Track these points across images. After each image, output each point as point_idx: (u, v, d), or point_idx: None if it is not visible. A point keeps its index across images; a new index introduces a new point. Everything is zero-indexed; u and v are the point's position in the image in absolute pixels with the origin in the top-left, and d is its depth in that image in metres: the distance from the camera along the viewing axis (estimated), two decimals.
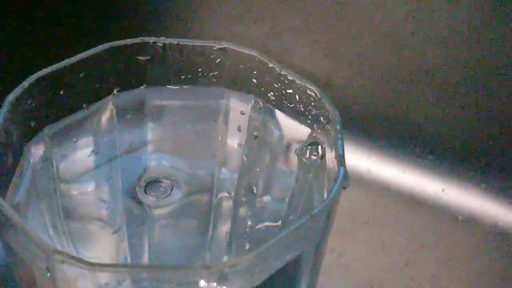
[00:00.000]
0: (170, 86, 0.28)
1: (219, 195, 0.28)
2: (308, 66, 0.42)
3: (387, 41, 0.40)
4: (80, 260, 0.19)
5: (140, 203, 0.28)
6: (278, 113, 0.27)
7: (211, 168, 0.29)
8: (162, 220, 0.28)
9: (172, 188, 0.28)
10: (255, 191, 0.28)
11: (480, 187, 0.40)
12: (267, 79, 0.27)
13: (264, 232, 0.27)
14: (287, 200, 0.27)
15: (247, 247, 0.27)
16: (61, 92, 0.26)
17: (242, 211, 0.28)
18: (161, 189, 0.28)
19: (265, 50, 0.30)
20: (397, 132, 0.42)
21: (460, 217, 0.40)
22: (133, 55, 0.27)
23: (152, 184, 0.28)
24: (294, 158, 0.27)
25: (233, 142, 0.29)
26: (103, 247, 0.27)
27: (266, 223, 0.27)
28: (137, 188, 0.28)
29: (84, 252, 0.26)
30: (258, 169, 0.28)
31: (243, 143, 0.28)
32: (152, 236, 0.27)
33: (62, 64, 0.26)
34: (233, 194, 0.28)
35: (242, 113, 0.28)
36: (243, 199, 0.28)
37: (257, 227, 0.27)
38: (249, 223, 0.28)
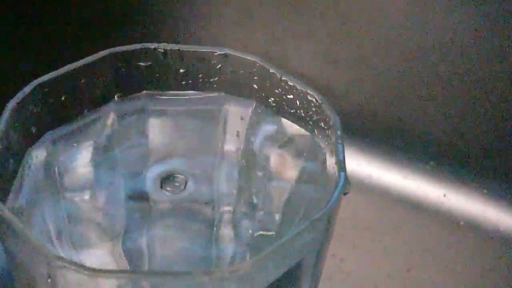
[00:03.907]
0: (171, 92, 0.28)
1: (221, 202, 0.28)
2: (309, 71, 0.42)
3: (388, 47, 0.40)
4: (81, 266, 0.19)
5: (141, 209, 0.28)
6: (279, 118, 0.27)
7: (213, 173, 0.29)
8: (162, 229, 0.28)
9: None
10: (255, 202, 0.28)
11: (482, 192, 0.40)
12: (268, 84, 0.27)
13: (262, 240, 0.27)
14: (286, 202, 0.27)
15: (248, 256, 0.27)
16: (62, 98, 0.26)
17: (244, 219, 0.28)
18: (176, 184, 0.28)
19: (266, 56, 0.30)
20: (398, 137, 0.42)
21: (461, 223, 0.40)
22: (134, 61, 0.27)
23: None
24: (294, 163, 0.27)
25: (234, 147, 0.29)
26: (102, 254, 0.27)
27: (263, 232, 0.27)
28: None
29: (85, 258, 0.26)
30: (259, 174, 0.28)
31: (244, 148, 0.28)
32: (152, 245, 0.27)
33: (63, 70, 0.26)
34: (235, 194, 0.28)
35: (243, 119, 0.28)
36: (243, 206, 0.28)
37: (256, 234, 0.27)
38: (250, 231, 0.28)
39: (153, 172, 0.28)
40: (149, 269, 0.27)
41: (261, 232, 0.27)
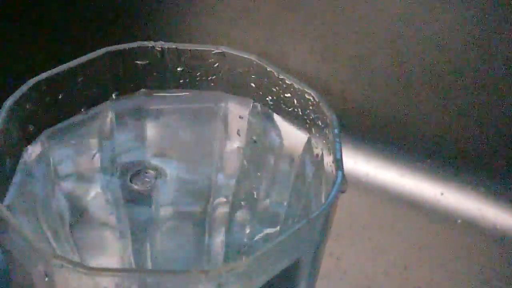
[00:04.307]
0: (169, 90, 0.28)
1: (216, 201, 0.28)
2: (307, 70, 0.42)
3: (386, 45, 0.40)
4: (79, 265, 0.19)
5: (141, 207, 0.28)
6: (276, 117, 0.28)
7: (209, 172, 0.29)
8: (164, 226, 0.28)
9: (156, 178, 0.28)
10: (255, 196, 0.28)
11: (479, 190, 0.40)
12: (265, 83, 0.27)
13: (262, 240, 0.27)
14: (285, 204, 0.27)
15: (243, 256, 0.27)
16: (60, 97, 0.26)
17: (240, 217, 0.28)
18: (146, 179, 0.28)
19: (263, 54, 0.30)
20: (395, 135, 0.42)
21: (458, 221, 0.40)
22: (132, 59, 0.27)
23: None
24: (293, 161, 0.27)
25: (232, 146, 0.29)
26: (108, 252, 0.27)
27: (265, 231, 0.27)
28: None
29: (89, 258, 0.26)
30: (258, 173, 0.28)
31: (242, 147, 0.28)
32: (154, 242, 0.27)
33: (60, 68, 0.26)
34: (230, 199, 0.28)
35: (241, 117, 0.28)
36: (242, 203, 0.28)
37: (256, 237, 0.27)
38: (247, 230, 0.28)
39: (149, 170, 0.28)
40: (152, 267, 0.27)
41: (267, 231, 0.27)
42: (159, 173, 0.28)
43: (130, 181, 0.28)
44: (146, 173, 0.28)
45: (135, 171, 0.28)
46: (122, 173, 0.28)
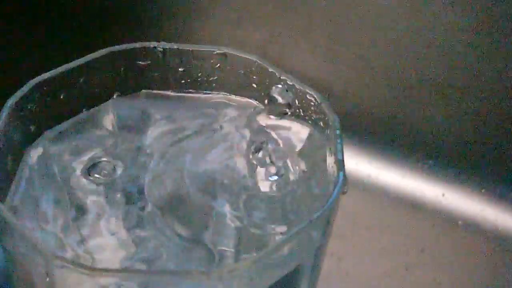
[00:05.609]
0: (170, 91, 0.28)
1: (222, 199, 0.28)
2: (308, 70, 0.42)
3: (388, 46, 0.40)
4: (80, 265, 0.19)
5: (139, 207, 0.28)
6: (278, 117, 0.27)
7: (210, 173, 0.29)
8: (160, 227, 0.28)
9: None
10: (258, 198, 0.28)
11: (480, 192, 0.40)
12: (267, 83, 0.27)
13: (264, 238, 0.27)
14: (286, 204, 0.27)
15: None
16: (61, 97, 0.26)
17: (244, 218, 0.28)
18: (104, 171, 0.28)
19: (265, 55, 0.30)
20: (397, 137, 0.42)
21: (460, 222, 0.40)
22: (133, 59, 0.27)
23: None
24: (293, 162, 0.27)
25: (233, 147, 0.29)
26: (112, 248, 0.27)
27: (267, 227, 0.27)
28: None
29: (97, 253, 0.26)
30: (259, 174, 0.28)
31: (243, 148, 0.28)
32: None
33: (62, 68, 0.26)
34: (234, 203, 0.28)
35: (242, 117, 0.28)
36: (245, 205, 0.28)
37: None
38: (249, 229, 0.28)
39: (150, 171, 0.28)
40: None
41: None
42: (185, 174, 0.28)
43: (89, 174, 0.27)
44: (102, 163, 0.28)
45: (91, 164, 0.28)
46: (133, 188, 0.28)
